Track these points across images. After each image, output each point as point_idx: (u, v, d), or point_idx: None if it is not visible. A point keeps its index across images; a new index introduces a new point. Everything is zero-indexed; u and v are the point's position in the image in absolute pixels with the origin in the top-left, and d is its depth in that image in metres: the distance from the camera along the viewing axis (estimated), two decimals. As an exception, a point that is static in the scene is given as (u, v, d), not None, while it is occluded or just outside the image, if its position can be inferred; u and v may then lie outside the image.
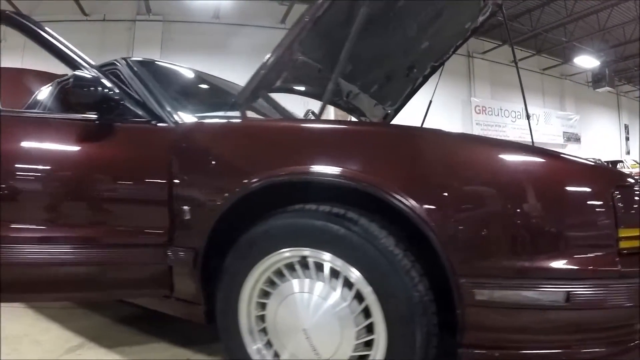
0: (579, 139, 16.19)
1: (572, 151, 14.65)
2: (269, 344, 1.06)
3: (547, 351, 0.88)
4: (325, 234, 0.93)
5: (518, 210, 0.87)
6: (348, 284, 0.94)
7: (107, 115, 1.28)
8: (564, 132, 15.88)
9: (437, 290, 0.91)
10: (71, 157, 1.29)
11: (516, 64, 2.23)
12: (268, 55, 1.43)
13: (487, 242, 0.87)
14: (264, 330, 1.06)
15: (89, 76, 1.25)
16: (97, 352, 1.43)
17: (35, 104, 2.32)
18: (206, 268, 1.14)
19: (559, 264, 0.84)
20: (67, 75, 1.77)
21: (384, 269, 0.88)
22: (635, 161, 13.36)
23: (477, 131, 13.72)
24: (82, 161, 1.28)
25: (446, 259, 0.87)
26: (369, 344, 0.93)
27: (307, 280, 0.98)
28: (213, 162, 1.21)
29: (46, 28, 1.43)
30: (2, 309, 1.67)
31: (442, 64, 2.35)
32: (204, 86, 2.08)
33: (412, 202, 0.88)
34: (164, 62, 2.01)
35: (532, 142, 2.38)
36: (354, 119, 2.47)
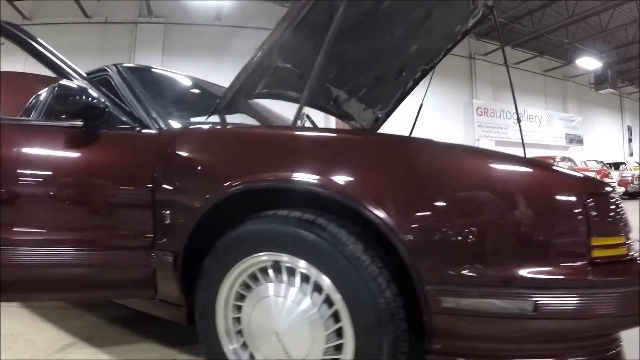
0: (582, 141, 16.12)
1: (574, 153, 14.60)
2: (245, 346, 1.09)
3: None
4: (295, 239, 0.95)
5: (485, 218, 0.87)
6: (319, 288, 0.96)
7: (93, 122, 1.31)
8: (566, 134, 15.83)
9: (408, 297, 0.91)
10: (58, 163, 1.32)
11: (506, 63, 2.19)
12: (247, 62, 1.43)
13: (454, 251, 0.87)
14: (240, 332, 1.09)
15: (74, 86, 1.29)
16: (87, 352, 1.46)
17: (31, 108, 2.37)
18: (188, 271, 1.17)
19: (527, 272, 0.83)
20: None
21: (350, 274, 0.89)
22: (637, 163, 13.29)
23: (478, 133, 13.71)
24: (68, 167, 1.32)
25: (413, 267, 0.87)
26: (339, 348, 0.95)
27: (279, 285, 1.00)
28: (192, 168, 1.24)
29: (38, 39, 1.47)
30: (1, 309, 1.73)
31: (433, 67, 2.32)
32: (195, 92, 2.10)
33: (379, 210, 0.89)
34: (156, 68, 2.04)
35: (523, 143, 2.37)
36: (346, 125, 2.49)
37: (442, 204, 0.90)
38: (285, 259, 0.98)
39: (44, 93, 2.28)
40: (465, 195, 0.90)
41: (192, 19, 10.26)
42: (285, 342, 0.98)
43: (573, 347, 0.89)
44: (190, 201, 1.15)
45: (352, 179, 0.96)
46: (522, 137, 2.40)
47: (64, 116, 1.30)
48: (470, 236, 0.86)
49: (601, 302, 0.83)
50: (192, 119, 1.64)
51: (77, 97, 1.25)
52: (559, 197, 0.88)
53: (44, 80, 3.05)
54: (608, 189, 0.94)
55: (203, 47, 10.13)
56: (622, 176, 11.29)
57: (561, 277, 0.83)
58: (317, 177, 0.97)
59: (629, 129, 17.74)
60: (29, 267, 1.24)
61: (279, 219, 0.99)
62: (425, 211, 0.89)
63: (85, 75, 1.46)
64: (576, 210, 0.86)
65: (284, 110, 2.33)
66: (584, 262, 0.84)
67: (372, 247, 0.93)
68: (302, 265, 0.96)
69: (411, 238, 0.87)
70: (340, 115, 2.33)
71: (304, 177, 0.98)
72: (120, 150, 1.33)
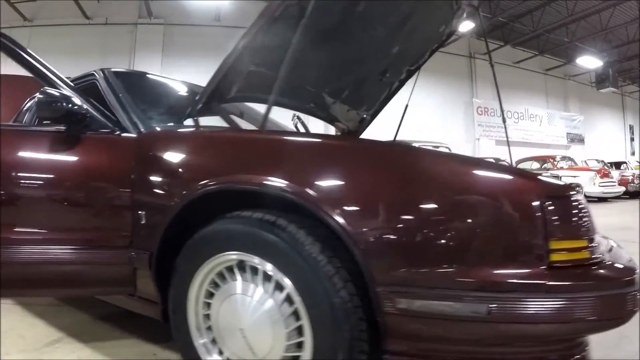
0: (583, 140, 16.06)
1: (576, 152, 14.54)
2: (214, 341, 1.13)
3: None
4: (255, 239, 0.98)
5: (438, 221, 0.87)
6: (281, 287, 0.98)
7: (76, 126, 1.37)
8: (567, 133, 15.77)
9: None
10: (42, 166, 1.38)
11: (490, 61, 2.18)
12: (219, 67, 1.45)
13: (406, 253, 0.87)
14: (210, 328, 1.13)
15: (56, 93, 1.34)
16: (74, 347, 1.52)
17: (27, 111, 2.43)
18: (166, 269, 1.22)
19: (481, 275, 0.83)
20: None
21: (307, 274, 0.92)
22: (638, 162, 13.22)
23: (479, 132, 13.70)
24: (52, 170, 1.37)
25: (365, 268, 0.88)
26: (302, 346, 0.96)
27: (243, 283, 1.04)
28: (164, 170, 1.28)
29: (26, 48, 1.52)
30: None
31: (419, 67, 2.30)
32: (181, 95, 2.14)
33: (334, 212, 0.91)
34: (144, 73, 2.09)
35: (508, 144, 2.33)
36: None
37: (395, 206, 0.91)
38: (247, 258, 1.02)
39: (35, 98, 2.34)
40: (418, 198, 0.91)
41: (191, 19, 10.31)
42: (250, 338, 1.01)
43: (532, 352, 0.89)
44: (162, 202, 1.20)
45: (311, 181, 0.98)
46: (507, 136, 2.33)
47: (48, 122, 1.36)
48: (423, 238, 0.87)
49: (557, 307, 0.81)
50: (175, 123, 1.68)
51: (59, 104, 1.30)
52: (515, 200, 0.87)
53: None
54: (570, 192, 0.93)
55: (203, 47, 10.17)
56: (622, 175, 11.24)
57: (515, 280, 0.82)
58: (277, 179, 0.99)
59: (631, 128, 17.65)
60: (17, 265, 1.30)
61: (242, 220, 1.03)
62: (378, 213, 0.91)
63: (69, 82, 1.51)
64: (533, 214, 0.85)
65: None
66: (541, 266, 0.83)
67: (331, 247, 0.94)
68: (261, 263, 1.00)
69: (364, 239, 0.89)
70: (324, 117, 2.34)
71: (261, 179, 1.00)
72: (101, 153, 1.38)
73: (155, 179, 1.28)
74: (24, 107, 2.58)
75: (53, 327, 1.71)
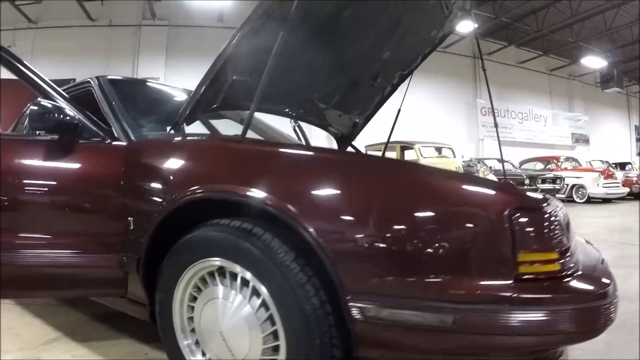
0: (588, 141, 15.94)
1: (581, 153, 14.46)
2: (198, 343, 1.18)
3: None
4: (232, 247, 1.03)
5: (406, 231, 0.89)
6: (258, 293, 1.02)
7: (68, 135, 1.42)
8: (572, 133, 15.66)
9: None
10: (37, 173, 1.43)
11: (481, 58, 2.16)
12: (202, 78, 1.48)
13: (375, 262, 0.89)
14: (194, 330, 1.18)
15: (49, 105, 1.39)
16: (69, 346, 1.58)
17: (23, 120, 2.49)
18: (154, 272, 1.26)
19: (447, 286, 0.84)
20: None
21: (279, 281, 0.95)
22: (643, 163, 13.10)
23: (482, 133, 13.64)
24: (46, 177, 1.42)
25: (335, 276, 0.90)
26: (278, 349, 1.00)
27: (223, 288, 1.08)
28: (151, 177, 1.32)
29: (22, 60, 1.57)
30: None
31: (411, 72, 2.28)
32: (177, 103, 2.15)
33: (307, 222, 0.94)
34: (141, 80, 2.13)
35: (500, 147, 2.30)
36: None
37: (364, 216, 0.93)
38: (226, 265, 1.06)
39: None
40: (387, 209, 0.93)
41: (194, 21, 10.36)
42: (229, 341, 1.06)
43: None
44: (149, 208, 1.25)
45: (290, 194, 1.00)
46: (498, 138, 2.30)
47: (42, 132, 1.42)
48: (391, 248, 0.88)
49: (524, 320, 0.81)
50: (166, 130, 1.72)
51: (51, 115, 1.36)
52: (483, 212, 0.88)
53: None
54: (542, 204, 0.91)
55: (206, 48, 10.17)
56: (627, 176, 11.12)
57: (481, 292, 0.83)
58: (259, 191, 1.02)
59: (637, 128, 17.49)
60: (15, 267, 1.36)
61: (220, 227, 1.07)
62: (346, 223, 0.94)
63: (62, 92, 1.56)
64: (501, 225, 0.85)
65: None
66: (508, 279, 0.83)
67: (305, 256, 0.97)
68: (239, 270, 1.04)
69: (333, 249, 0.91)
70: (316, 122, 2.35)
71: (244, 190, 1.04)
72: (92, 161, 1.43)
73: (142, 186, 1.33)
74: (23, 113, 2.65)
75: (50, 326, 1.78)
